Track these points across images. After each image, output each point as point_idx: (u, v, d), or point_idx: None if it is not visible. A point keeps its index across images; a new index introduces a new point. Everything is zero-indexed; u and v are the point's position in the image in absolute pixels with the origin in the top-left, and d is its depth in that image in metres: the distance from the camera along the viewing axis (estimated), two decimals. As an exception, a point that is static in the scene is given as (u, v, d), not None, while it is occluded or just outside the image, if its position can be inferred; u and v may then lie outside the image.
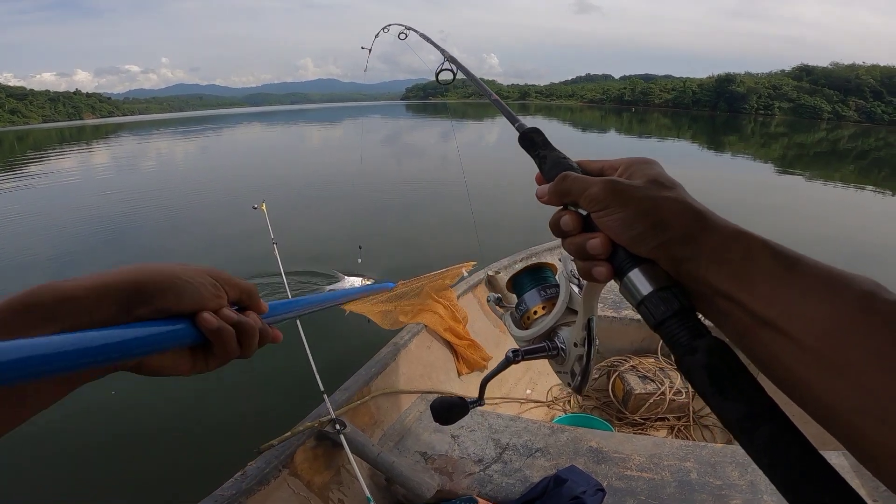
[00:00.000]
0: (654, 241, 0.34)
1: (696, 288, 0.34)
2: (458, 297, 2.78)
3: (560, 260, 0.55)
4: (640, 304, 0.35)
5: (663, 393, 2.57)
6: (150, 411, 3.41)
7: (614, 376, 2.74)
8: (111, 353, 0.31)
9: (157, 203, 10.71)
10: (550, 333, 0.51)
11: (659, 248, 0.34)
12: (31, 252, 7.32)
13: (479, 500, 1.64)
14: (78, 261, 6.77)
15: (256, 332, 0.41)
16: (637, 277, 0.35)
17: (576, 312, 0.49)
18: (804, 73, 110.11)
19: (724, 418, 0.30)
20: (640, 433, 2.40)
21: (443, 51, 0.93)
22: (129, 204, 10.65)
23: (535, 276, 0.57)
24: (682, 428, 2.55)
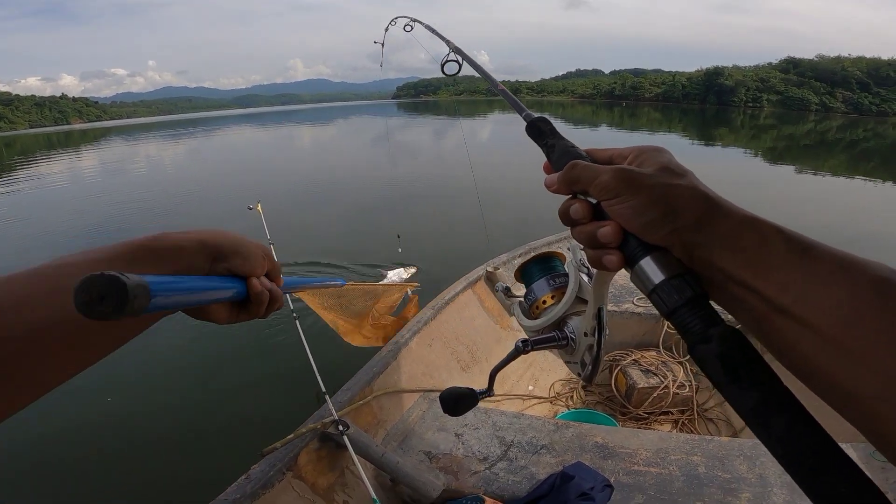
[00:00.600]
0: (665, 228, 0.34)
1: (709, 275, 0.34)
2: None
3: (569, 249, 0.54)
4: (651, 292, 0.34)
5: (667, 387, 2.56)
6: (149, 418, 3.37)
7: (616, 371, 2.73)
8: (211, 296, 0.42)
9: (148, 206, 10.61)
10: (560, 323, 0.51)
11: (671, 234, 0.34)
12: (20, 257, 7.20)
13: (486, 498, 1.62)
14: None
15: (279, 300, 0.52)
16: (648, 265, 0.35)
17: (585, 302, 0.49)
18: (791, 66, 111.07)
19: (738, 407, 0.29)
20: (644, 428, 2.39)
21: (448, 42, 0.92)
22: (119, 207, 10.54)
23: (543, 266, 0.56)
24: (686, 422, 2.54)
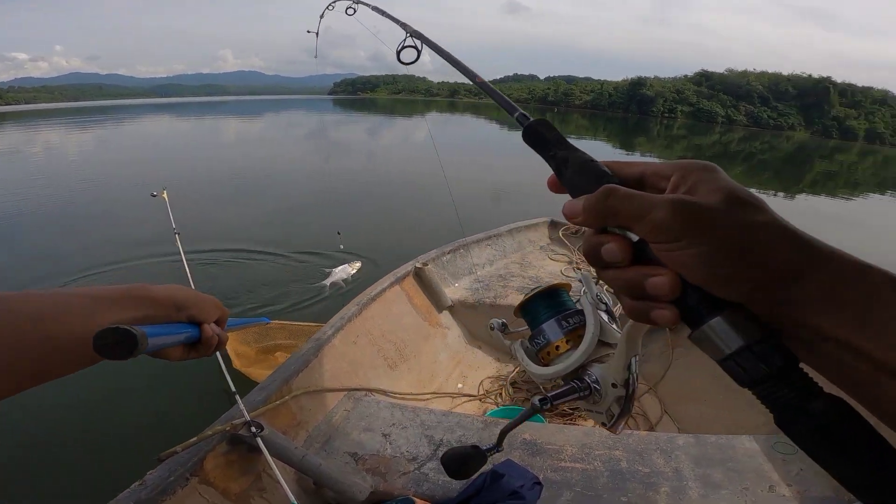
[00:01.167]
0: (746, 284, 0.28)
1: (797, 333, 0.28)
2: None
3: (580, 281, 0.50)
4: (726, 359, 0.29)
5: (588, 380, 2.70)
6: (35, 422, 3.01)
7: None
8: (177, 339, 0.52)
9: (46, 194, 9.62)
10: (578, 370, 0.45)
11: (752, 291, 0.28)
12: None
13: (416, 499, 1.60)
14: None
15: (224, 342, 0.61)
16: (721, 327, 0.29)
17: (607, 345, 0.44)
18: (704, 79, 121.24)
19: (849, 483, 0.26)
20: (570, 423, 2.45)
21: (405, 25, 0.82)
22: (12, 199, 9.38)
23: (551, 302, 0.50)
24: None
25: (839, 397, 0.27)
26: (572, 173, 0.36)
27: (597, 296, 0.47)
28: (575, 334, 0.46)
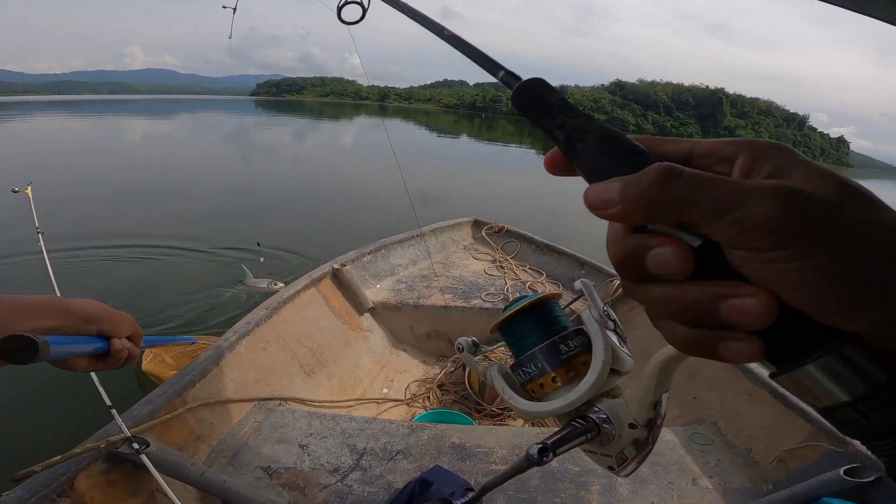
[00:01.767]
0: (879, 312, 0.20)
1: None
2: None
3: (579, 290, 0.39)
4: (839, 407, 0.22)
5: (513, 378, 2.74)
6: None
7: (469, 368, 2.83)
8: (84, 349, 0.58)
9: None
10: (582, 407, 0.36)
11: (888, 320, 0.20)
12: None
13: None
14: None
15: (135, 357, 0.66)
16: (836, 368, 0.21)
17: (617, 373, 0.36)
18: (618, 88, 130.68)
19: None
20: (499, 424, 2.45)
21: None
22: None
23: (541, 320, 0.39)
24: None
25: None
26: (594, 148, 0.26)
27: (604, 311, 0.37)
28: (576, 362, 0.37)
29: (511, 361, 0.41)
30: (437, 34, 0.41)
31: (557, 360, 0.37)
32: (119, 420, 1.46)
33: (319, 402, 2.29)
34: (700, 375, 2.26)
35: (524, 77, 0.30)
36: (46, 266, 2.02)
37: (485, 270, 3.57)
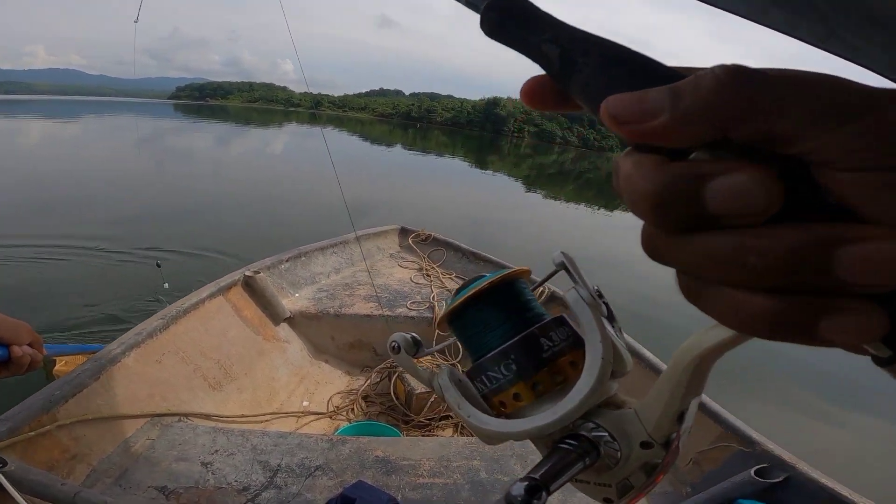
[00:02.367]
0: None
1: None
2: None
3: (556, 264, 0.29)
4: None
5: (440, 388, 2.73)
6: None
7: (395, 377, 2.74)
8: None
9: None
10: (573, 423, 0.28)
11: None
12: None
13: None
14: None
15: (39, 362, 0.72)
16: None
17: (614, 376, 0.29)
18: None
19: None
20: (427, 435, 2.41)
21: None
22: None
23: (508, 307, 0.31)
24: (465, 424, 2.71)
25: None
26: (601, 60, 0.19)
27: (596, 290, 0.28)
28: (562, 363, 0.29)
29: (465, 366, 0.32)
30: None
31: (538, 361, 0.29)
32: None
33: (228, 418, 2.16)
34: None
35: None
36: None
37: (411, 279, 3.56)
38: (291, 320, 2.88)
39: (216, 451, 1.78)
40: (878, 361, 0.17)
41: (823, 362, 4.77)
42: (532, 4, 0.22)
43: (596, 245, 9.78)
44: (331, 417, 2.64)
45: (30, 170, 11.81)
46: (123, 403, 1.81)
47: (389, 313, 2.98)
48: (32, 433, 1.48)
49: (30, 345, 0.70)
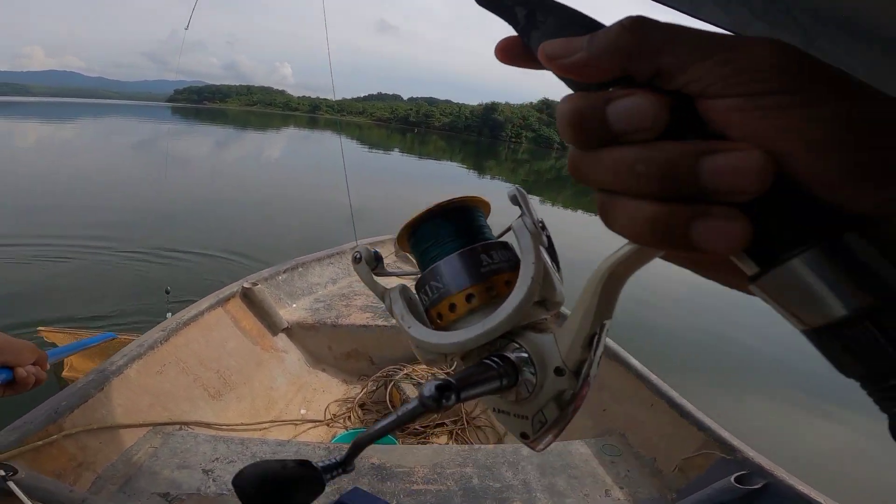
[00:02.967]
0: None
1: None
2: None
3: (512, 196, 0.31)
4: (831, 328, 0.17)
5: (437, 399, 2.76)
6: None
7: (391, 386, 2.75)
8: None
9: None
10: (498, 344, 0.29)
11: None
12: None
13: None
14: None
15: (43, 380, 0.71)
16: (827, 268, 0.16)
17: (543, 304, 0.30)
18: (545, 106, 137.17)
19: None
20: (422, 442, 2.44)
21: None
22: None
23: (462, 227, 0.32)
24: (458, 432, 2.63)
25: None
26: (555, 24, 0.23)
27: (539, 221, 0.30)
28: (497, 280, 0.30)
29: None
30: None
31: (476, 274, 0.30)
32: None
33: (228, 426, 2.21)
34: (606, 386, 2.35)
35: None
36: None
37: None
38: (289, 331, 2.92)
39: (217, 458, 1.82)
40: (751, 280, 0.19)
41: (806, 362, 4.84)
42: None
43: (592, 251, 9.78)
44: (328, 425, 2.68)
45: (26, 171, 11.82)
46: (126, 413, 1.87)
47: (385, 323, 3.03)
48: (40, 442, 1.54)
49: (35, 362, 0.70)
